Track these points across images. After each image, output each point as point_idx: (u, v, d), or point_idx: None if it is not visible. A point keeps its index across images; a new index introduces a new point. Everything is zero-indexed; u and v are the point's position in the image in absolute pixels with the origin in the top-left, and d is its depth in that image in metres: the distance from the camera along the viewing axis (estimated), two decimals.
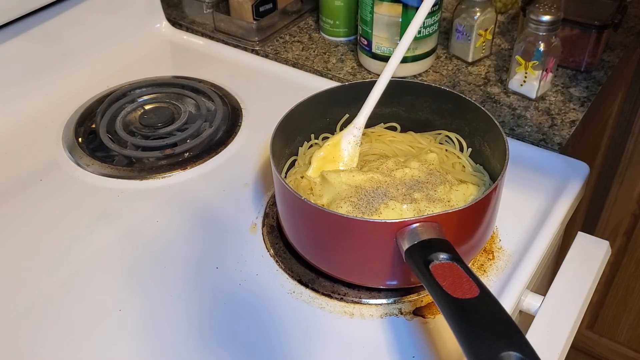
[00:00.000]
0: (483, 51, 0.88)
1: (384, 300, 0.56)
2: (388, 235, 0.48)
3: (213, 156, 0.74)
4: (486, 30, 0.85)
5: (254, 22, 0.94)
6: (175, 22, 1.00)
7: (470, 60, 0.87)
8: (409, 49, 0.60)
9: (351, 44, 0.94)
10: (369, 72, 0.88)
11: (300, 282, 0.58)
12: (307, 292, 0.57)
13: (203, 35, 0.98)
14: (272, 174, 0.55)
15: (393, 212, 0.54)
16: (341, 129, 0.65)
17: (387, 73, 0.60)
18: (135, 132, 0.77)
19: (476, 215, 0.52)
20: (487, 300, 0.40)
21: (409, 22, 0.60)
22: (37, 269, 0.61)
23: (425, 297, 0.56)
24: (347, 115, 0.66)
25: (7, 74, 0.80)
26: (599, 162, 1.16)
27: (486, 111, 0.59)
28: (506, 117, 0.78)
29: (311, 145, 0.66)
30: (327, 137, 0.65)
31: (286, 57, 0.92)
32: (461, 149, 0.64)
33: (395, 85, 0.62)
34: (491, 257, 0.60)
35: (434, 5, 0.79)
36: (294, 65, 0.91)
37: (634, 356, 1.46)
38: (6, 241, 0.64)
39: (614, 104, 1.04)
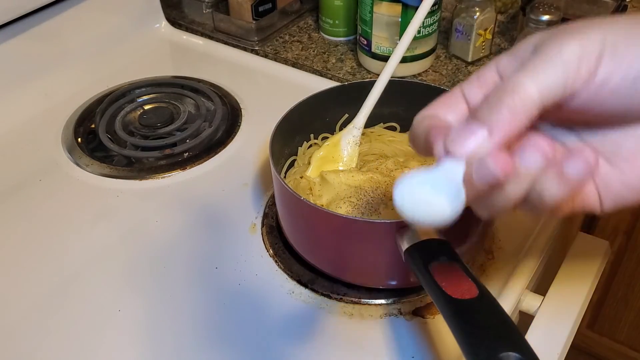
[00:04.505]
0: (483, 51, 0.87)
1: (383, 301, 0.56)
2: (387, 235, 0.48)
3: (212, 156, 0.74)
4: (486, 29, 0.85)
5: (254, 22, 0.94)
6: (174, 22, 1.00)
7: (469, 59, 0.87)
8: (408, 49, 0.60)
9: (351, 43, 0.94)
10: (369, 71, 0.88)
11: (300, 282, 0.58)
12: (307, 292, 0.57)
13: (202, 35, 0.98)
14: (272, 174, 0.55)
15: (392, 212, 0.54)
16: (340, 129, 0.65)
17: (387, 73, 0.60)
18: (135, 132, 0.77)
19: (476, 215, 0.52)
20: (486, 301, 0.40)
21: (409, 22, 0.60)
22: (36, 269, 0.61)
23: (425, 297, 0.56)
24: (346, 115, 0.66)
25: (7, 74, 0.80)
26: None
27: None
28: None
29: (310, 145, 0.66)
30: (327, 137, 0.65)
31: (286, 57, 0.92)
32: None
33: (395, 85, 0.62)
34: (491, 257, 0.60)
35: (433, 5, 0.79)
36: (294, 65, 0.91)
37: (634, 356, 1.46)
38: (5, 241, 0.64)
39: None
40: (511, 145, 0.30)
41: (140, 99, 0.83)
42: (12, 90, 0.81)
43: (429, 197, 0.32)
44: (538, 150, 0.30)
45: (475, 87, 0.34)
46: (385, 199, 0.55)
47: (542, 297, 0.58)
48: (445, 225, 0.33)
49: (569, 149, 0.31)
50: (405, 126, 0.67)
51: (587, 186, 0.33)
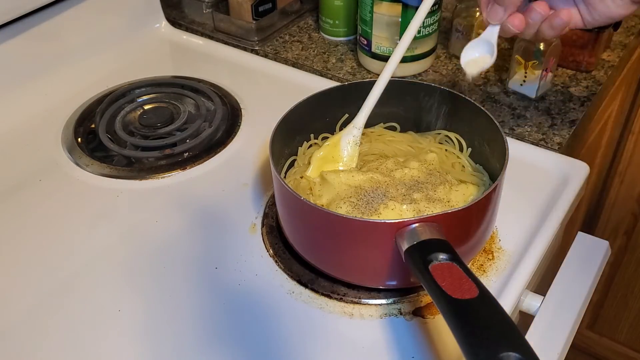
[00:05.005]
0: None
1: (383, 301, 0.56)
2: (387, 235, 0.48)
3: (212, 156, 0.74)
4: None
5: (254, 22, 0.94)
6: (174, 22, 1.00)
7: None
8: (408, 49, 0.60)
9: (351, 43, 0.94)
10: (369, 71, 0.88)
11: (300, 282, 0.58)
12: (307, 293, 0.57)
13: (202, 35, 0.98)
14: (272, 174, 0.55)
15: (392, 213, 0.54)
16: (341, 129, 0.65)
17: (387, 73, 0.60)
18: (135, 132, 0.77)
19: (476, 216, 0.52)
20: (486, 301, 0.40)
21: (409, 22, 0.60)
22: (36, 269, 0.61)
23: (425, 297, 0.56)
24: (346, 115, 0.66)
25: (7, 74, 0.80)
26: (599, 162, 1.16)
27: (486, 111, 0.59)
28: (506, 117, 0.78)
29: (310, 145, 0.66)
30: (327, 137, 0.65)
31: (286, 57, 0.92)
32: (461, 149, 0.64)
33: (395, 85, 0.62)
34: (491, 257, 0.60)
35: (433, 5, 0.79)
36: (294, 65, 0.91)
37: (634, 356, 1.46)
38: (5, 241, 0.64)
39: (613, 103, 1.04)
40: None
41: (140, 99, 0.83)
42: (12, 90, 0.81)
43: (474, 53, 0.59)
44: (538, 12, 0.57)
45: None
46: (386, 199, 0.55)
47: (542, 297, 0.58)
48: (486, 69, 0.62)
49: (556, 11, 0.57)
50: (405, 126, 0.67)
51: (575, 16, 0.58)
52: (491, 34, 0.58)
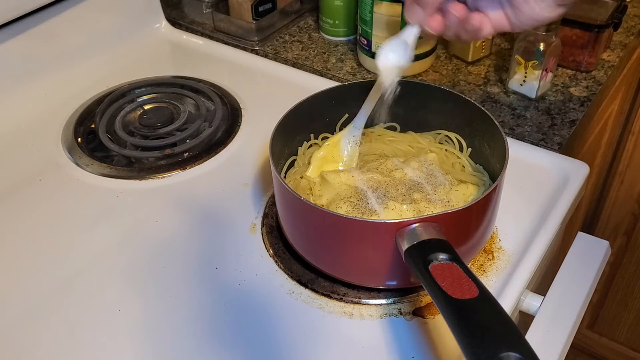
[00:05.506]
0: (483, 51, 0.87)
1: (383, 301, 0.56)
2: (387, 235, 0.48)
3: (212, 156, 0.74)
4: None
5: (254, 22, 0.94)
6: (174, 22, 1.00)
7: (470, 59, 0.87)
8: None
9: (351, 43, 0.94)
10: (369, 71, 0.88)
11: (300, 282, 0.58)
12: (307, 292, 0.57)
13: (202, 35, 0.98)
14: (272, 174, 0.55)
15: (393, 213, 0.54)
16: (340, 129, 0.65)
17: None
18: (135, 132, 0.77)
19: (476, 216, 0.52)
20: (486, 301, 0.40)
21: None
22: (36, 269, 0.61)
23: (425, 297, 0.56)
24: (346, 115, 0.66)
25: (7, 74, 0.80)
26: (599, 162, 1.16)
27: (486, 111, 0.59)
28: (506, 117, 0.78)
29: (310, 145, 0.66)
30: (327, 137, 0.65)
31: (286, 56, 0.92)
32: (461, 149, 0.64)
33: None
34: (491, 257, 0.60)
35: None
36: (294, 65, 0.91)
37: (634, 356, 1.46)
38: (5, 241, 0.64)
39: (613, 104, 1.04)
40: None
41: (140, 99, 0.83)
42: (12, 90, 0.81)
43: (389, 54, 0.55)
44: (453, 14, 0.53)
45: None
46: (386, 199, 0.55)
47: (542, 297, 0.58)
48: (401, 70, 0.56)
49: (468, 15, 0.53)
50: (405, 126, 0.67)
51: (500, 19, 0.54)
52: (409, 34, 0.55)
